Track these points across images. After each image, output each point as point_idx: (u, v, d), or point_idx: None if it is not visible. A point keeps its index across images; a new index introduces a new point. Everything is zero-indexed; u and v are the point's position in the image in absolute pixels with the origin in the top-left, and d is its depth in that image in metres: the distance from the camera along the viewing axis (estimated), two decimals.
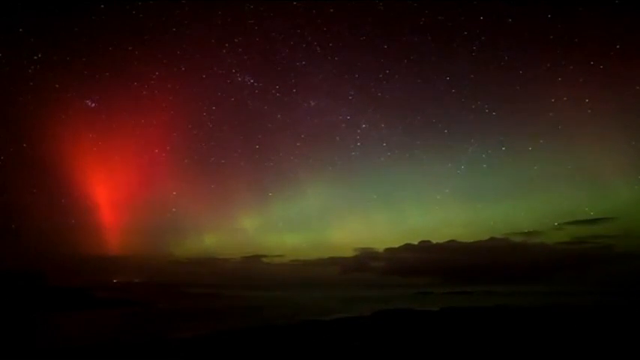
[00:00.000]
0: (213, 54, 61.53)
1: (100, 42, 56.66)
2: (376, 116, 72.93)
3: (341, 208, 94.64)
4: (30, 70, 54.93)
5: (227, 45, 60.17)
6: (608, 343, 15.34)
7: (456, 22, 56.14)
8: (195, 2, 55.85)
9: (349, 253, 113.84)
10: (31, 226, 67.22)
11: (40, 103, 58.47)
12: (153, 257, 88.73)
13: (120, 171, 68.99)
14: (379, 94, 65.34)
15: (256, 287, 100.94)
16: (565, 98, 57.53)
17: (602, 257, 77.58)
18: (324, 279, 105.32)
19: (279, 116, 69.01)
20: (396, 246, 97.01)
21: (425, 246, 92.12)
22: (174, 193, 74.14)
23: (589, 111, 56.21)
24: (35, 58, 54.11)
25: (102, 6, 52.48)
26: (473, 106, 63.79)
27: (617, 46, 51.15)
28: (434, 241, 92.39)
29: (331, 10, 55.94)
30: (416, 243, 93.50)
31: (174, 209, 75.40)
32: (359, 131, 70.26)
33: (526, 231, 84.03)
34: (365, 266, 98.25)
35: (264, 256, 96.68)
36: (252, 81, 64.57)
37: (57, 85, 58.00)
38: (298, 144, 74.99)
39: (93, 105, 62.00)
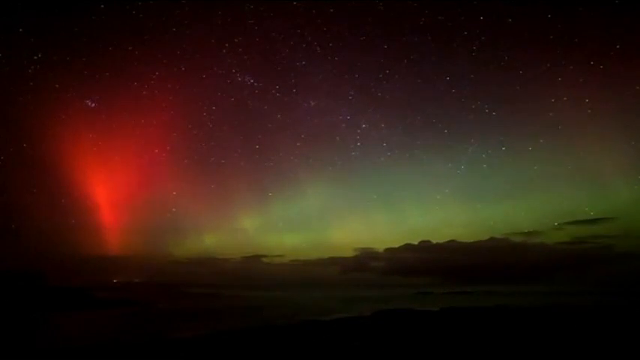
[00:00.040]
0: (213, 54, 61.53)
1: (100, 42, 56.70)
2: (376, 116, 72.96)
3: (341, 208, 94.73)
4: (30, 70, 54.99)
5: (227, 45, 60.14)
6: (608, 343, 15.34)
7: (456, 22, 56.11)
8: (195, 2, 55.90)
9: (349, 253, 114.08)
10: (31, 226, 67.39)
11: (40, 103, 58.56)
12: (153, 257, 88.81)
13: (120, 171, 69.02)
14: (379, 94, 65.31)
15: (256, 287, 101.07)
16: (565, 98, 57.54)
17: (602, 257, 77.71)
18: (324, 279, 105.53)
19: (279, 116, 68.99)
20: (396, 246, 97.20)
21: (425, 246, 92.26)
22: (174, 193, 74.16)
23: (589, 111, 56.22)
24: (35, 58, 54.15)
25: (102, 6, 52.53)
26: (473, 106, 63.75)
27: (617, 46, 51.17)
28: (434, 241, 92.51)
29: (331, 10, 55.98)
30: (416, 243, 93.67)
31: (174, 209, 75.39)
32: (359, 131, 70.24)
33: (526, 231, 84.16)
34: (365, 266, 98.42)
35: (264, 256, 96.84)
36: (252, 81, 64.57)
37: (57, 85, 58.06)
38: (298, 144, 75.03)
39: (93, 105, 62.04)
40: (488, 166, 71.81)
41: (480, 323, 22.33)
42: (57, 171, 64.78)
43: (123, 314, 40.96)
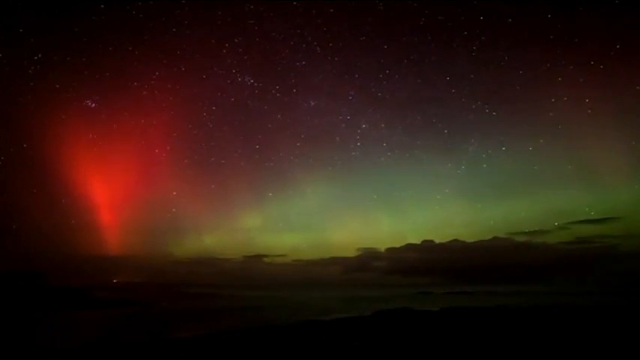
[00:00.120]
0: (213, 54, 61.38)
1: (100, 42, 56.56)
2: (376, 116, 72.70)
3: (341, 208, 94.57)
4: (30, 70, 54.88)
5: (227, 45, 59.99)
6: (609, 344, 15.31)
7: (456, 22, 56.01)
8: (195, 2, 55.79)
9: (351, 253, 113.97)
10: (31, 226, 67.30)
11: (40, 103, 58.43)
12: (153, 257, 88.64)
13: (120, 171, 68.90)
14: (379, 94, 65.13)
15: (257, 287, 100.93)
16: (565, 98, 57.40)
17: (604, 257, 77.57)
18: (325, 279, 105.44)
19: (279, 116, 68.83)
20: (397, 246, 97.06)
21: (427, 245, 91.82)
22: (174, 193, 73.98)
23: (589, 111, 56.06)
24: (35, 58, 54.04)
25: (102, 6, 52.39)
26: (473, 106, 63.58)
27: (617, 46, 51.02)
28: (437, 241, 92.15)
29: (331, 10, 55.82)
30: (418, 242, 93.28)
31: (174, 209, 75.25)
32: (359, 131, 70.05)
33: (526, 231, 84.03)
34: (367, 266, 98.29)
35: (265, 255, 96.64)
36: (252, 81, 64.40)
37: (57, 85, 57.86)
38: (298, 144, 74.68)
39: (93, 105, 61.86)
40: (488, 166, 71.72)
41: (480, 323, 22.30)
42: (57, 171, 64.62)
43: (123, 314, 40.95)
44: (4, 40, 52.90)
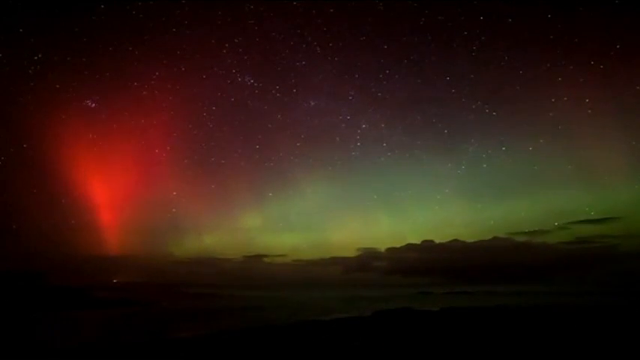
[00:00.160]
0: (213, 54, 61.35)
1: (100, 42, 56.51)
2: (376, 116, 72.76)
3: (341, 208, 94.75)
4: (30, 70, 54.81)
5: (227, 45, 59.95)
6: (609, 344, 15.31)
7: (456, 22, 55.98)
8: (195, 2, 55.77)
9: (351, 253, 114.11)
10: (31, 226, 67.27)
11: (40, 103, 58.40)
12: (153, 257, 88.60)
13: (120, 171, 68.88)
14: (379, 94, 65.14)
15: (257, 287, 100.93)
16: (565, 98, 57.38)
17: (604, 257, 77.62)
18: (325, 279, 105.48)
19: (279, 116, 68.83)
20: (397, 246, 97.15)
21: (428, 245, 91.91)
22: (175, 193, 73.93)
23: (589, 111, 56.04)
24: (35, 58, 53.95)
25: (102, 6, 52.35)
26: (473, 106, 63.60)
27: (617, 46, 50.99)
28: (437, 241, 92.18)
29: (331, 10, 55.78)
30: (418, 242, 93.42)
31: (174, 209, 75.18)
32: (359, 131, 70.06)
33: (526, 231, 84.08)
34: (367, 266, 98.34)
35: (266, 255, 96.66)
36: (252, 81, 64.39)
37: (57, 85, 57.78)
38: (298, 144, 74.74)
39: (93, 105, 61.82)
40: (488, 166, 71.74)
41: (480, 323, 22.29)
42: (57, 171, 64.54)
43: (123, 314, 40.96)
44: (4, 40, 52.93)
